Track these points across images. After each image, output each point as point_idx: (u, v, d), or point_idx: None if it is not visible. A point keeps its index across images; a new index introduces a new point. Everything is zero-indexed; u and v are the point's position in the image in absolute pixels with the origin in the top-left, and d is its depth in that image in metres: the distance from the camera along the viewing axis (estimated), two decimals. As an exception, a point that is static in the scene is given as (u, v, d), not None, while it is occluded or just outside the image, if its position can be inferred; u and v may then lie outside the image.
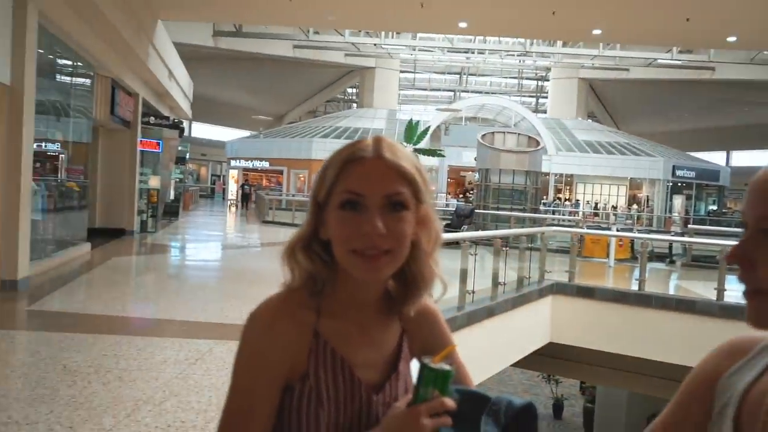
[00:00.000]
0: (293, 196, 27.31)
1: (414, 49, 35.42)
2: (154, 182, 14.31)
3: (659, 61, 29.12)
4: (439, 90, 45.89)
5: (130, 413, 3.46)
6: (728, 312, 7.18)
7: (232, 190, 33.93)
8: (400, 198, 0.95)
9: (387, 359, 1.05)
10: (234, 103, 39.63)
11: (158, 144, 15.04)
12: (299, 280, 1.01)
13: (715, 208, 31.40)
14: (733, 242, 0.77)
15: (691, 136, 38.71)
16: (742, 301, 0.78)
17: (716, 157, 36.34)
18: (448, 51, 34.61)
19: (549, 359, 8.73)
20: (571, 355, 8.52)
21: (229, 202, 32.81)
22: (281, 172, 32.95)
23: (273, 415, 0.97)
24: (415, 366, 0.93)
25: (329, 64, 35.82)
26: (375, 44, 32.49)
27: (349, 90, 45.63)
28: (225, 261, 11.90)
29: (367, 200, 0.93)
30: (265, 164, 33.48)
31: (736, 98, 30.99)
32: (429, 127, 26.41)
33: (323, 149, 28.52)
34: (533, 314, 7.86)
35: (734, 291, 7.49)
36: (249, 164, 33.90)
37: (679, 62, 28.44)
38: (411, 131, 18.93)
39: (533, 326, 8.08)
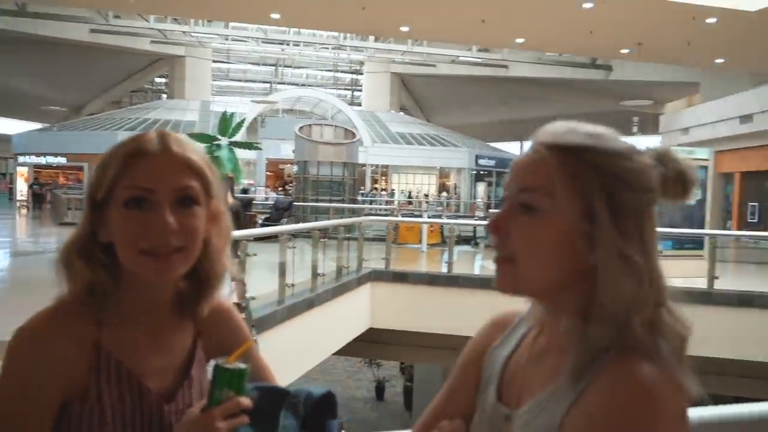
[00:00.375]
0: (96, 194, 25.02)
1: (227, 39, 34.21)
2: None
3: (461, 58, 31.40)
4: (254, 81, 44.91)
5: None
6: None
7: (22, 189, 30.22)
8: (190, 192, 0.90)
9: (180, 365, 0.99)
10: (21, 93, 35.00)
11: None
12: (77, 290, 0.93)
13: (511, 193, 34.77)
14: None
15: (490, 127, 42.30)
16: None
17: (512, 147, 40.16)
18: (262, 42, 33.99)
19: (370, 344, 9.02)
20: (390, 339, 8.89)
21: (18, 204, 29.17)
22: (81, 169, 30.02)
23: None
24: (211, 368, 0.90)
25: (133, 51, 33.15)
26: (184, 32, 30.84)
27: (158, 80, 42.80)
28: (11, 271, 10.60)
29: (156, 196, 0.87)
30: (62, 160, 30.26)
31: (526, 94, 34.47)
32: (244, 119, 25.69)
33: (130, 143, 26.46)
34: (353, 302, 8.06)
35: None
36: (42, 160, 30.41)
37: (479, 60, 30.93)
38: (226, 124, 18.28)
39: (353, 314, 8.30)
